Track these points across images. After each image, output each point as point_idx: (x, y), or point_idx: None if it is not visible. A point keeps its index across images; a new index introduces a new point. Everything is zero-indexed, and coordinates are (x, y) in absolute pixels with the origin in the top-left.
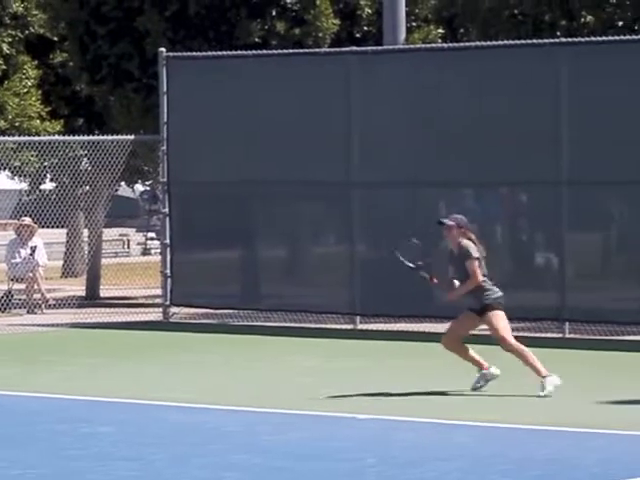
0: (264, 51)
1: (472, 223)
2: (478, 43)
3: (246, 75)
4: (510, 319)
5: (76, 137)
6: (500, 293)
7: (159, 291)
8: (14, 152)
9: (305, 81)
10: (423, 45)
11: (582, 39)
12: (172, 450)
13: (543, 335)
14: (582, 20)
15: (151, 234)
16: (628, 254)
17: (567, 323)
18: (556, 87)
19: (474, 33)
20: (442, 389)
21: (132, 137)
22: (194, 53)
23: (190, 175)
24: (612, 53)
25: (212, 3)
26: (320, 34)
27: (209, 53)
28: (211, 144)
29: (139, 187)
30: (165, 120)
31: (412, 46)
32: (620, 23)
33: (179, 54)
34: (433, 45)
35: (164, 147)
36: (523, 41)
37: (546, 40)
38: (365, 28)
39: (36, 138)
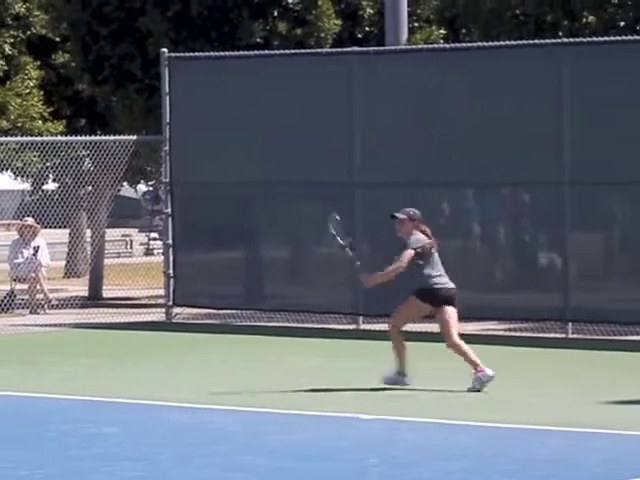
0: (266, 51)
1: (475, 223)
2: (480, 44)
3: (248, 75)
4: (513, 319)
5: (78, 137)
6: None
7: (162, 291)
8: (16, 153)
9: (307, 81)
10: (425, 46)
11: (584, 39)
12: (176, 450)
13: (546, 335)
14: (584, 20)
15: (154, 234)
16: (631, 254)
17: (570, 323)
18: (558, 87)
19: (476, 34)
20: (444, 389)
21: (134, 137)
22: (196, 54)
23: (192, 175)
24: (614, 53)
25: (214, 4)
26: (322, 34)
27: (211, 53)
28: (213, 144)
29: (142, 187)
30: (167, 120)
31: (414, 47)
32: (622, 23)
33: (181, 55)
34: (435, 46)
35: (166, 147)
36: (525, 41)
37: (548, 40)
38: (367, 28)
39: (38, 139)
